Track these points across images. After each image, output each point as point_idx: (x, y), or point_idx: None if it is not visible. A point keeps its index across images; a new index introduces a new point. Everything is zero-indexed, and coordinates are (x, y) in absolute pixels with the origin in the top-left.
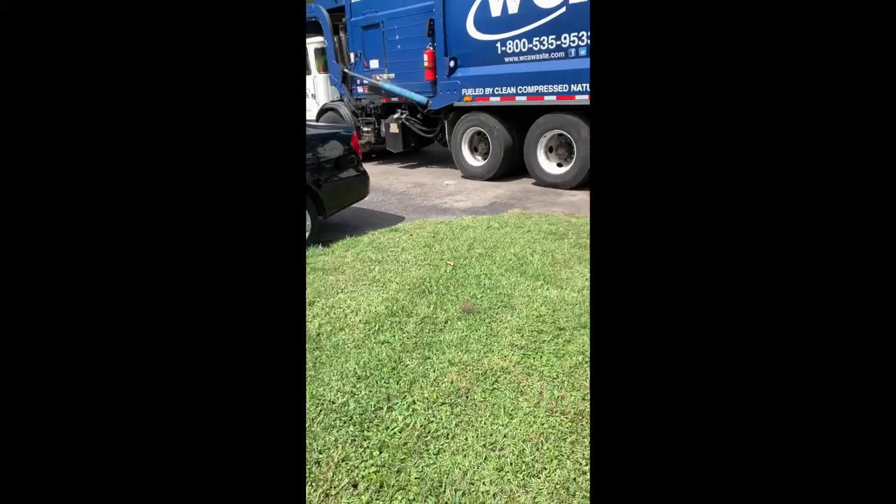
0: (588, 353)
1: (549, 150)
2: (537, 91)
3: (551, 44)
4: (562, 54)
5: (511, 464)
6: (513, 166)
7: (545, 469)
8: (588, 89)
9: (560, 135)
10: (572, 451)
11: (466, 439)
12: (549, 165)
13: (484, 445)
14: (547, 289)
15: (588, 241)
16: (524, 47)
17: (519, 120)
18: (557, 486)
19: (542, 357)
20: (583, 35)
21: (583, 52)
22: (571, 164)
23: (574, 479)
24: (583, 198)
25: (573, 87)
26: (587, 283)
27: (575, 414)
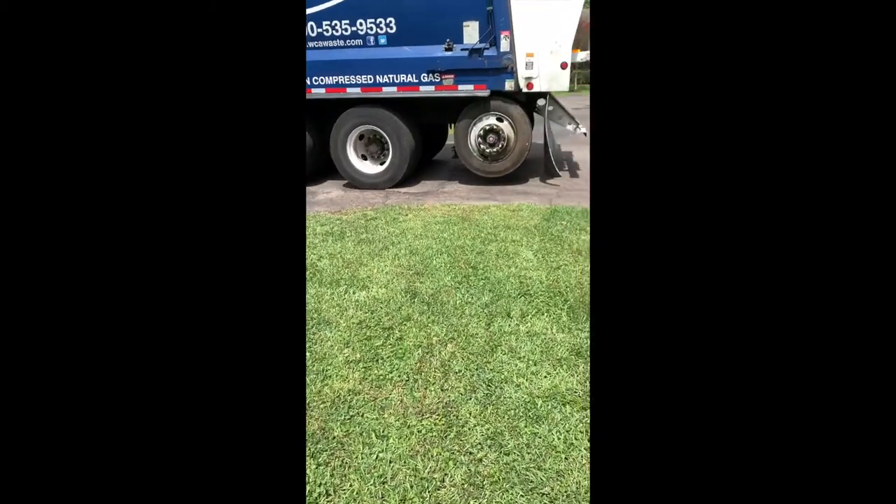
0: (426, 345)
1: (360, 147)
2: (338, 82)
3: (346, 29)
4: (359, 42)
5: (412, 486)
6: (317, 167)
7: (446, 475)
8: (395, 81)
9: (371, 130)
10: (460, 446)
11: (351, 485)
12: (362, 164)
13: (374, 483)
14: (353, 292)
15: (374, 237)
16: (313, 32)
17: (320, 115)
18: (464, 485)
19: (384, 364)
20: (381, 22)
21: (383, 40)
22: (388, 161)
23: (476, 471)
24: (339, 194)
25: (379, 79)
26: (390, 278)
27: (443, 408)
